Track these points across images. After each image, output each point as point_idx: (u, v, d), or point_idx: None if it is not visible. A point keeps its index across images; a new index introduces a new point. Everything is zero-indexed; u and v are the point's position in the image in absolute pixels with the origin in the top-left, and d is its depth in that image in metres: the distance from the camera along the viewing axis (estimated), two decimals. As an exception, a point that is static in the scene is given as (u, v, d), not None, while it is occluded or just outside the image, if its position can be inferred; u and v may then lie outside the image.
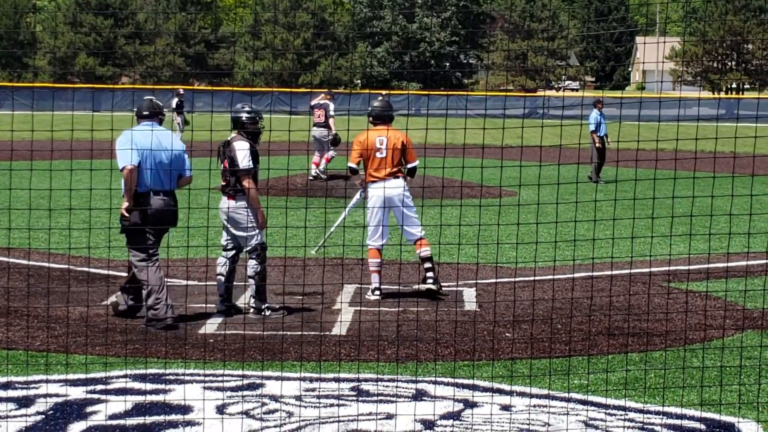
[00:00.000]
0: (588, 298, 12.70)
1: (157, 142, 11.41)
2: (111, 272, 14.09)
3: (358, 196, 13.89)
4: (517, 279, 13.81)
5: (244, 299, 12.46)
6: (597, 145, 28.42)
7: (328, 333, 11.14)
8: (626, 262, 14.60)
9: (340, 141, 27.73)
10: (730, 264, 14.64)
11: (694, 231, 15.26)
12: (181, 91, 41.98)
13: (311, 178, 27.84)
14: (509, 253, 15.63)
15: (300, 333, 11.02)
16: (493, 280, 13.83)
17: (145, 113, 11.81)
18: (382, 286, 12.93)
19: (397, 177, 13.12)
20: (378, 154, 13.09)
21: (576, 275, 13.75)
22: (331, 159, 28.62)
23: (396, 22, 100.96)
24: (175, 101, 39.96)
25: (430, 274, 12.95)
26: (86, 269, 14.40)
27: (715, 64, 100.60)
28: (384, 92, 30.68)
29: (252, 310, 11.91)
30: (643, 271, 14.57)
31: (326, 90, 31.27)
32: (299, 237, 15.16)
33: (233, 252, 12.09)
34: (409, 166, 13.17)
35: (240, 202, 11.84)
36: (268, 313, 11.81)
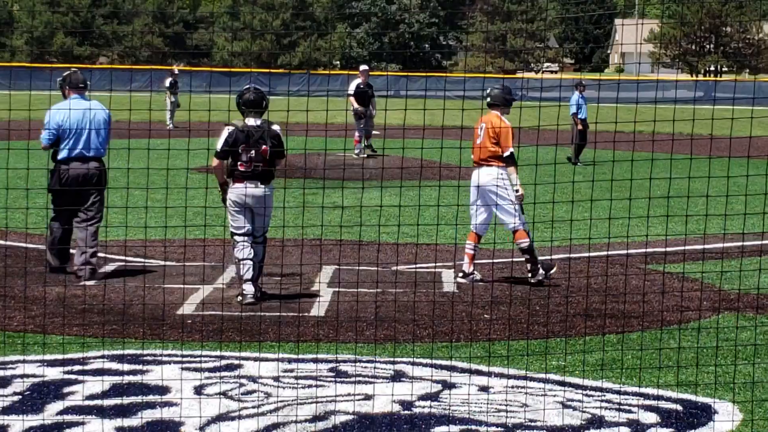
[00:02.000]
0: (565, 280, 12.74)
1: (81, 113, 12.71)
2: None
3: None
4: (495, 260, 13.83)
5: (223, 281, 12.44)
6: (579, 127, 28.56)
7: (306, 314, 11.15)
8: (604, 243, 14.64)
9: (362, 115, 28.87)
10: (706, 246, 14.69)
11: (671, 213, 15.31)
12: (176, 71, 41.25)
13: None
14: (487, 234, 15.65)
15: (278, 314, 11.02)
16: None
17: (81, 86, 12.99)
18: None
19: (490, 165, 12.89)
20: (478, 140, 12.99)
21: (554, 257, 13.77)
22: (360, 138, 29.19)
23: (375, 3, 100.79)
24: (168, 81, 39.66)
25: (528, 266, 12.84)
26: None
27: (693, 47, 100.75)
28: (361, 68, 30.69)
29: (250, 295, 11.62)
30: (620, 252, 14.61)
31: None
32: (278, 218, 15.14)
33: (251, 237, 11.77)
34: (505, 154, 12.88)
35: (270, 186, 11.75)
36: (259, 296, 11.62)
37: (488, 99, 13.23)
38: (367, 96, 29.70)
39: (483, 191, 12.90)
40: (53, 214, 13.01)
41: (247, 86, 12.02)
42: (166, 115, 38.77)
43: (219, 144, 11.68)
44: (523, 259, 12.94)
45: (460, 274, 12.94)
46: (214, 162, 11.75)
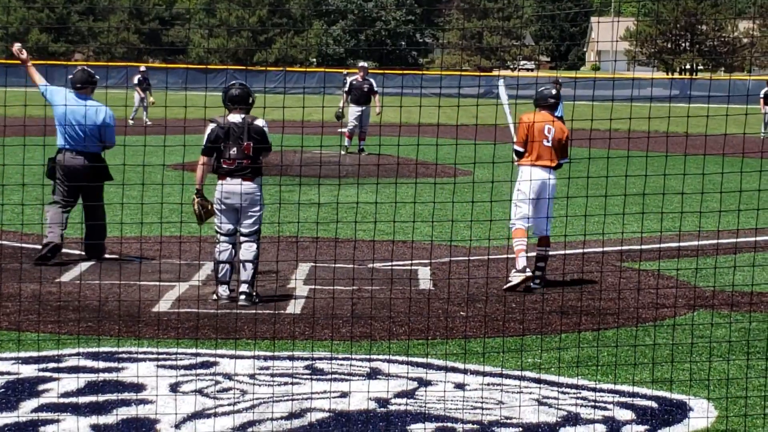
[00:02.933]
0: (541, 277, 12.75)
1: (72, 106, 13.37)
2: (64, 249, 14.00)
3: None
4: (471, 257, 13.85)
5: (199, 278, 12.43)
6: None
7: (282, 311, 11.14)
8: (579, 241, 14.68)
9: (339, 117, 28.78)
10: (681, 243, 14.75)
11: (647, 210, 15.35)
12: (143, 68, 42.72)
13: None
14: (464, 231, 15.67)
15: (254, 311, 11.01)
16: (447, 259, 13.86)
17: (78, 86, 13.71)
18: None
19: (552, 169, 12.67)
20: (545, 142, 12.59)
21: (530, 254, 13.80)
22: (351, 135, 29.14)
23: (352, 1, 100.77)
24: (137, 78, 40.88)
25: (538, 273, 12.60)
26: (39, 246, 14.30)
27: (669, 45, 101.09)
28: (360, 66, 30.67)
29: (243, 297, 11.43)
30: (596, 250, 14.65)
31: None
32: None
33: (235, 236, 11.68)
34: (562, 161, 12.70)
35: (256, 183, 11.62)
36: (257, 301, 11.49)
37: (550, 100, 12.89)
38: (363, 93, 29.42)
39: (545, 192, 12.63)
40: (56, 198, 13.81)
41: (233, 82, 11.97)
42: (131, 111, 40.01)
43: (204, 140, 11.64)
44: (537, 265, 12.65)
45: (526, 273, 12.45)
46: (201, 160, 11.70)
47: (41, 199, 16.03)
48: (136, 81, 41.16)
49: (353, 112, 29.10)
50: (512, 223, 12.70)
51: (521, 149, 12.67)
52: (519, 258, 12.44)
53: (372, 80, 29.47)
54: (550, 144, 12.57)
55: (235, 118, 11.60)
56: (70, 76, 13.78)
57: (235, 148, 11.48)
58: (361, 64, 30.93)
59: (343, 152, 28.36)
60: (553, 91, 12.86)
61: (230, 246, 11.57)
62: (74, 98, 13.52)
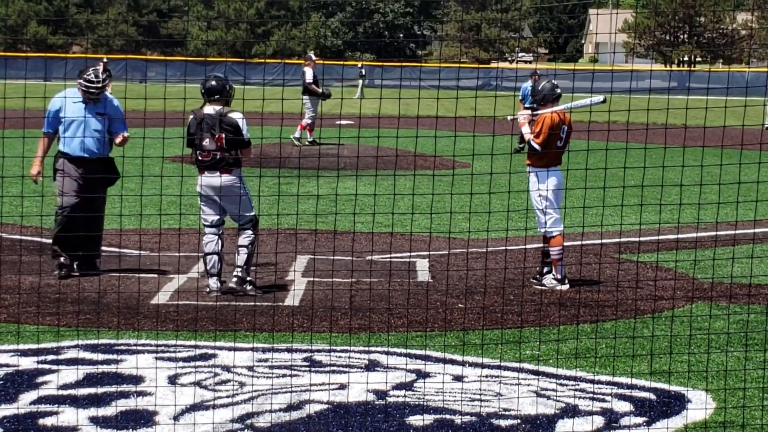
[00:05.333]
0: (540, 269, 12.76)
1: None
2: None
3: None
4: (470, 250, 13.85)
5: (198, 270, 12.42)
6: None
7: (280, 303, 11.14)
8: (578, 233, 14.68)
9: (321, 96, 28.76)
10: (680, 235, 14.75)
11: (646, 202, 15.36)
12: (105, 59, 43.45)
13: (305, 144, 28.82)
14: (462, 224, 15.68)
15: (253, 304, 11.02)
16: (446, 251, 13.86)
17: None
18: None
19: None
20: (559, 143, 12.29)
21: (528, 246, 13.81)
22: (305, 126, 28.97)
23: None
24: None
25: (546, 269, 12.41)
26: (38, 239, 14.31)
27: (667, 37, 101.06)
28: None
29: (235, 279, 11.48)
30: (594, 242, 14.66)
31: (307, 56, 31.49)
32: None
33: (221, 227, 11.71)
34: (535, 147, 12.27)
35: (234, 175, 11.57)
36: (249, 288, 11.51)
37: (557, 91, 12.52)
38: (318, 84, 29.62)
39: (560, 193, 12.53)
40: None
41: (210, 74, 11.97)
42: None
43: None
44: (544, 261, 12.47)
45: (566, 286, 12.26)
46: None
47: (40, 191, 16.03)
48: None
49: (315, 103, 29.28)
50: (549, 231, 12.29)
51: (539, 148, 12.20)
52: (558, 267, 12.27)
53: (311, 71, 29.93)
54: (561, 145, 12.43)
55: (209, 109, 11.60)
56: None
57: (208, 140, 11.49)
58: (311, 55, 31.14)
59: (301, 144, 28.42)
60: (548, 84, 12.67)
61: (216, 237, 11.59)
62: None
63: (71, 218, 12.28)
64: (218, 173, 11.48)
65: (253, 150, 11.84)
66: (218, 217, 11.64)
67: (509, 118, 12.35)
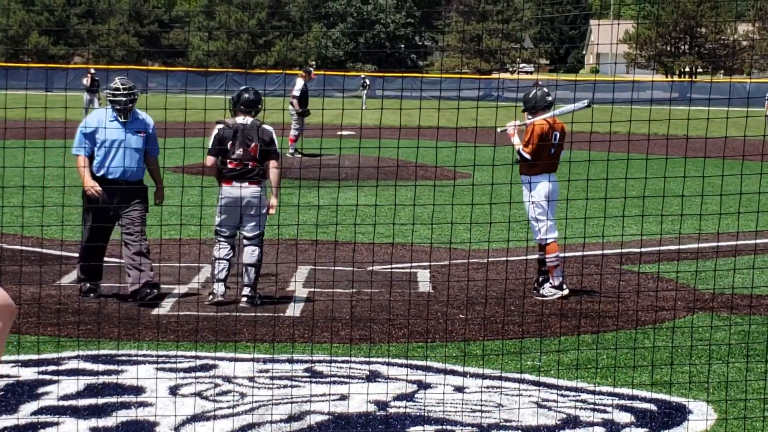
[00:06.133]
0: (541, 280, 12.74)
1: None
2: (63, 252, 14.00)
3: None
4: (471, 260, 13.85)
5: (198, 281, 12.41)
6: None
7: (281, 314, 11.13)
8: (579, 243, 14.68)
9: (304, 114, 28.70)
10: (681, 246, 14.75)
11: (647, 213, 15.35)
12: (92, 70, 43.84)
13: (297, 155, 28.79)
14: (463, 234, 15.67)
15: (253, 314, 11.01)
16: (447, 262, 13.85)
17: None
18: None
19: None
20: (552, 150, 12.34)
21: (529, 257, 13.79)
22: (295, 139, 28.97)
23: (351, 3, 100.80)
24: (85, 79, 43.18)
25: (542, 278, 12.41)
26: (38, 249, 14.32)
27: (668, 48, 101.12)
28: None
29: (246, 299, 11.46)
30: (595, 252, 14.65)
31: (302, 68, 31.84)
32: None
33: (235, 238, 11.67)
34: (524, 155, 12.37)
35: (260, 187, 11.59)
36: (259, 302, 11.52)
37: (549, 99, 12.51)
38: (307, 96, 29.69)
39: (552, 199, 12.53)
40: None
41: (246, 87, 11.93)
42: (83, 114, 40.21)
43: (210, 142, 11.62)
44: (540, 270, 12.48)
45: (564, 292, 12.27)
46: (208, 161, 11.63)
47: (41, 201, 16.03)
48: (85, 82, 42.68)
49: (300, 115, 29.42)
50: (543, 239, 12.29)
51: (529, 156, 12.31)
52: (555, 275, 12.27)
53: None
54: (554, 151, 12.44)
55: (243, 119, 11.64)
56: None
57: (241, 149, 11.49)
58: (309, 68, 31.42)
59: (290, 154, 28.46)
60: (539, 92, 12.63)
61: (229, 246, 11.58)
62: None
63: (100, 248, 11.82)
64: (246, 183, 11.50)
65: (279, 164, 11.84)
66: (236, 229, 11.62)
67: (498, 129, 12.35)
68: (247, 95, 11.75)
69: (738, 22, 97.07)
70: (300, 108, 28.89)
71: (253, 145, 11.51)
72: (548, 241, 12.27)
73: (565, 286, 12.29)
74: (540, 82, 30.61)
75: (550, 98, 12.49)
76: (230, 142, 11.50)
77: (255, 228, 11.57)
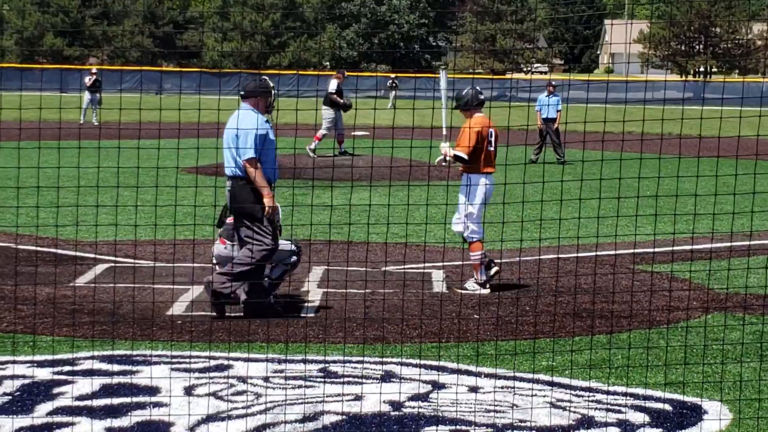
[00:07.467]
0: (554, 280, 12.76)
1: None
2: (78, 253, 14.05)
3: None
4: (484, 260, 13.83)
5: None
6: (538, 125, 29.66)
7: (295, 314, 11.15)
8: (592, 243, 14.67)
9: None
10: (695, 246, 14.73)
11: (660, 213, 15.34)
12: (94, 70, 43.89)
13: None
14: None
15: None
16: (461, 262, 13.86)
17: (241, 93, 11.30)
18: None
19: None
20: (489, 147, 12.51)
21: (542, 257, 13.80)
22: (321, 138, 29.36)
23: (365, 4, 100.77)
24: (87, 79, 42.90)
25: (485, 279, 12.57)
26: (53, 250, 14.36)
27: (682, 48, 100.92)
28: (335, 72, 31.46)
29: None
30: (609, 252, 14.64)
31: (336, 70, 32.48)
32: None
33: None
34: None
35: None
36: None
37: (481, 97, 12.76)
38: (342, 96, 30.04)
39: (488, 200, 12.72)
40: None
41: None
42: (80, 113, 41.19)
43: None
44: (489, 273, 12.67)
45: (487, 290, 12.49)
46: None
47: (56, 202, 16.09)
48: (87, 82, 42.52)
49: (333, 115, 29.72)
50: (470, 236, 12.57)
51: (466, 157, 12.44)
52: (480, 271, 12.51)
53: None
54: (493, 149, 12.61)
55: None
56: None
57: None
58: (340, 69, 32.04)
59: (315, 156, 28.58)
60: (476, 92, 12.77)
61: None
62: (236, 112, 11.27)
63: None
64: None
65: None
66: None
67: (436, 162, 12.69)
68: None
69: (752, 22, 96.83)
70: (342, 100, 29.32)
71: None
72: (474, 240, 12.53)
73: (488, 285, 12.47)
74: (554, 83, 30.84)
75: (482, 96, 12.72)
76: None
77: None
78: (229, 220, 11.36)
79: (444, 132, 12.80)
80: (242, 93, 11.23)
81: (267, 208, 10.84)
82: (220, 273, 10.97)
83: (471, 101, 12.67)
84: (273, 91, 11.25)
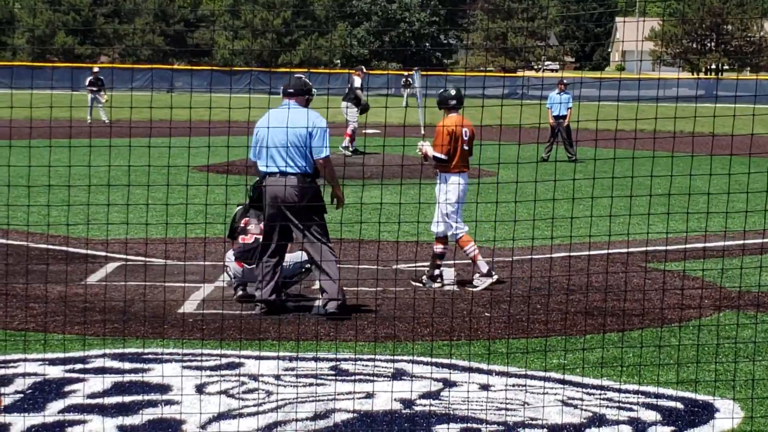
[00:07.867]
0: (566, 278, 12.74)
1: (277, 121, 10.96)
2: (89, 251, 14.06)
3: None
4: (495, 258, 13.82)
5: (224, 280, 12.45)
6: (550, 122, 29.79)
7: (306, 313, 11.14)
8: (604, 241, 14.64)
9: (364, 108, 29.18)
10: (707, 244, 14.69)
11: (672, 211, 15.30)
12: (96, 69, 44.08)
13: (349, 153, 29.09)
14: (488, 232, 15.65)
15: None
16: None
17: (289, 91, 11.29)
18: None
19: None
20: (464, 146, 12.61)
21: (554, 255, 13.77)
22: (352, 134, 29.81)
23: (376, 2, 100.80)
24: (89, 79, 42.94)
25: (436, 272, 12.72)
26: (65, 248, 14.37)
27: (694, 45, 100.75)
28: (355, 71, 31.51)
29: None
30: (621, 251, 14.61)
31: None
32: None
33: None
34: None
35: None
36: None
37: (457, 101, 12.79)
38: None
39: (463, 200, 12.87)
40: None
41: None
42: (87, 112, 41.18)
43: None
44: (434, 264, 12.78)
45: (494, 278, 12.57)
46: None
47: (67, 201, 16.11)
48: (88, 82, 42.68)
49: (355, 110, 29.99)
50: (455, 234, 12.71)
51: (444, 156, 12.53)
52: (480, 262, 12.61)
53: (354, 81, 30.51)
54: (467, 148, 12.68)
55: None
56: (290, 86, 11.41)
57: None
58: (361, 67, 32.11)
59: (349, 153, 28.74)
60: (453, 92, 12.88)
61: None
62: (279, 111, 11.15)
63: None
64: None
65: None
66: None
67: (420, 149, 12.78)
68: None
69: (764, 19, 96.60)
70: (363, 99, 29.54)
71: None
72: (459, 236, 12.67)
73: (440, 279, 12.67)
74: (566, 80, 30.89)
75: (455, 95, 12.83)
76: None
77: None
78: (248, 234, 11.44)
79: (422, 132, 12.93)
80: (291, 91, 11.27)
81: (340, 202, 11.32)
82: (325, 281, 10.97)
83: (443, 101, 12.83)
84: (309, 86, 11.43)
